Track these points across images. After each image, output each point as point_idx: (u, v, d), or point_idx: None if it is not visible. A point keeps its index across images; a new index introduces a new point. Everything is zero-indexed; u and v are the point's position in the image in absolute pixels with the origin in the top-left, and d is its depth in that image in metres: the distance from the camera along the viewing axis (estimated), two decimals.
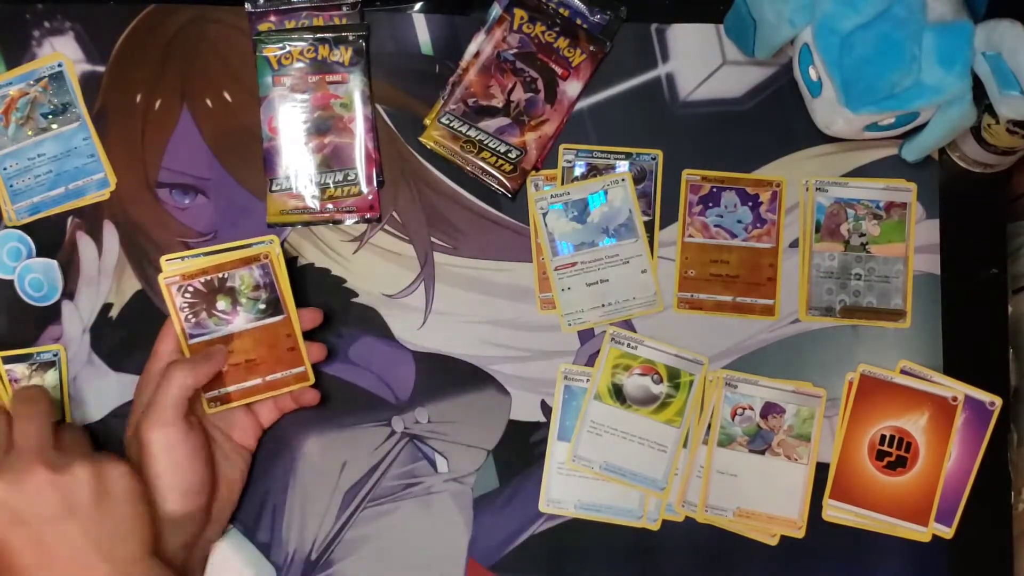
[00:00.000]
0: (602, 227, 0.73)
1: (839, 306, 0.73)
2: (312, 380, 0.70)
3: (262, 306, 0.68)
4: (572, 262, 0.73)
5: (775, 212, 0.73)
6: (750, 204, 0.73)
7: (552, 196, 0.73)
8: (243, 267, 0.67)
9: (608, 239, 0.73)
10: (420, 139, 0.74)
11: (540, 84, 0.74)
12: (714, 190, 0.73)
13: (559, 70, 0.75)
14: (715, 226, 0.73)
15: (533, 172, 0.74)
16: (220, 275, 0.67)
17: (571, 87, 0.75)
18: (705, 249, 0.73)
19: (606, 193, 0.73)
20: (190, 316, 0.67)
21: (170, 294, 0.67)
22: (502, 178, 0.73)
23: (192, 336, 0.68)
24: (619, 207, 0.73)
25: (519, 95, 0.74)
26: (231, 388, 0.68)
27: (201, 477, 0.65)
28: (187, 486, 0.64)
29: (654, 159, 0.74)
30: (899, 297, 0.73)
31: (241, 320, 0.68)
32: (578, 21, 0.75)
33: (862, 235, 0.73)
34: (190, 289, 0.67)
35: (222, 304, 0.67)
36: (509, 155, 0.73)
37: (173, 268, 0.67)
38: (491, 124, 0.74)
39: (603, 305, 0.73)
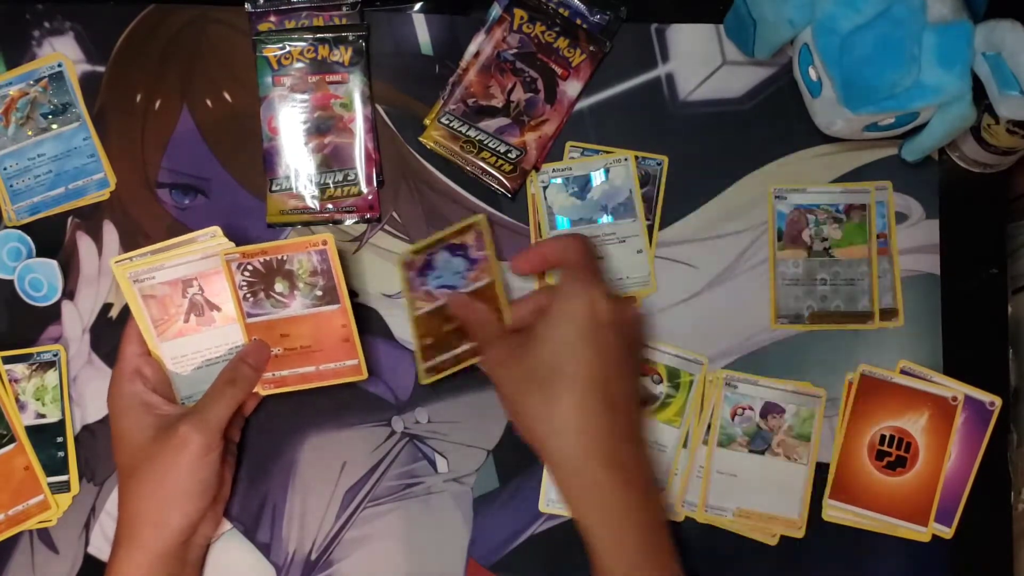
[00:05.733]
0: (601, 204, 0.73)
1: (807, 312, 0.73)
2: (366, 375, 0.70)
3: (319, 292, 0.67)
4: None
5: (483, 248, 0.70)
6: (460, 254, 0.71)
7: (554, 171, 0.74)
8: (302, 251, 0.67)
9: (606, 217, 0.73)
10: (420, 139, 0.74)
11: (540, 84, 0.74)
12: (428, 257, 0.71)
13: (559, 70, 0.75)
14: (437, 288, 0.71)
15: (533, 172, 0.74)
16: (279, 256, 0.67)
17: (571, 87, 0.75)
18: (435, 315, 0.70)
19: (608, 172, 0.73)
20: (248, 295, 0.67)
21: (230, 271, 0.67)
22: (502, 178, 0.73)
23: (250, 316, 0.68)
24: (620, 186, 0.73)
25: (519, 95, 0.74)
26: (286, 372, 0.69)
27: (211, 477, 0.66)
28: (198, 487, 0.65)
29: (659, 164, 0.74)
30: (866, 299, 0.73)
31: (298, 305, 0.68)
32: (578, 21, 0.75)
33: (824, 239, 0.73)
34: (249, 268, 0.67)
35: (280, 286, 0.67)
36: (509, 155, 0.73)
37: (232, 247, 0.67)
38: (491, 124, 0.74)
39: None
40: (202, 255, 0.68)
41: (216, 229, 0.68)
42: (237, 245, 0.67)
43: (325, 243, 0.66)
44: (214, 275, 0.68)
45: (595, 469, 0.61)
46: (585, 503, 0.62)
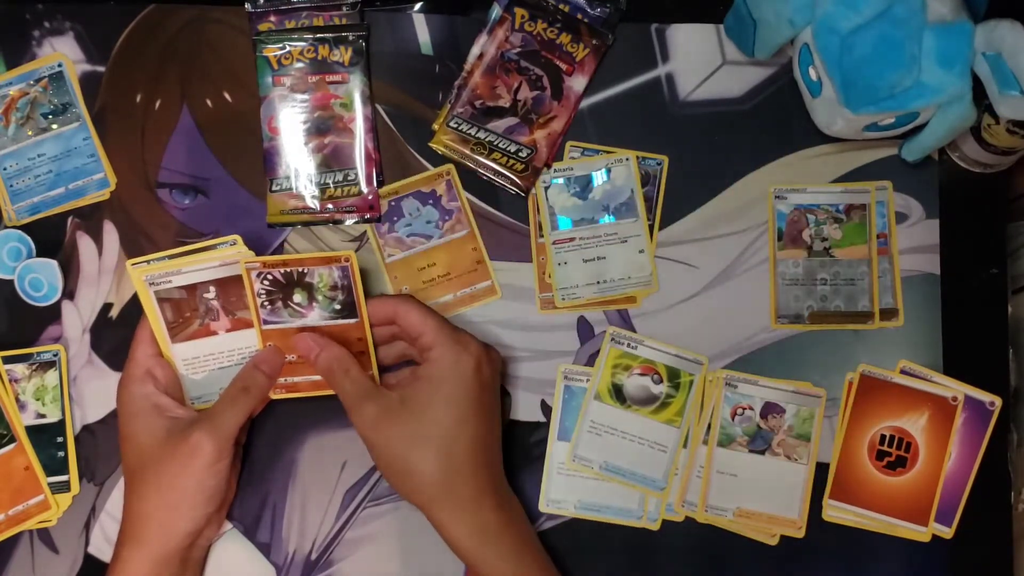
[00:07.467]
0: (603, 204, 0.73)
1: (807, 312, 0.73)
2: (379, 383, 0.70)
3: (337, 306, 0.67)
4: (570, 237, 0.73)
5: (455, 199, 0.73)
6: (431, 202, 0.73)
7: (555, 171, 0.74)
8: (324, 266, 0.66)
9: (608, 217, 0.73)
10: (430, 144, 0.74)
11: (546, 81, 0.74)
12: (392, 203, 0.73)
13: (563, 66, 0.75)
14: (408, 236, 0.73)
15: (545, 169, 0.74)
16: (300, 269, 0.66)
17: (576, 82, 0.75)
18: (409, 261, 0.73)
19: (609, 171, 0.73)
20: (266, 303, 0.67)
21: (249, 279, 0.66)
22: (514, 178, 0.73)
23: (266, 323, 0.68)
24: (621, 186, 0.73)
25: (525, 93, 0.74)
26: (298, 379, 0.69)
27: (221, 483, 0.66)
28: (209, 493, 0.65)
29: (659, 164, 0.74)
30: (866, 299, 0.73)
31: (316, 316, 0.67)
32: (579, 16, 0.75)
33: (824, 239, 0.73)
34: (269, 277, 0.67)
35: (298, 297, 0.67)
36: (519, 154, 0.73)
37: (252, 256, 0.67)
38: (500, 124, 0.74)
39: (598, 282, 0.73)
40: (221, 262, 0.67)
41: (236, 238, 0.67)
42: None
43: (347, 260, 0.66)
44: (231, 281, 0.68)
45: (487, 515, 0.64)
46: (480, 546, 0.64)
